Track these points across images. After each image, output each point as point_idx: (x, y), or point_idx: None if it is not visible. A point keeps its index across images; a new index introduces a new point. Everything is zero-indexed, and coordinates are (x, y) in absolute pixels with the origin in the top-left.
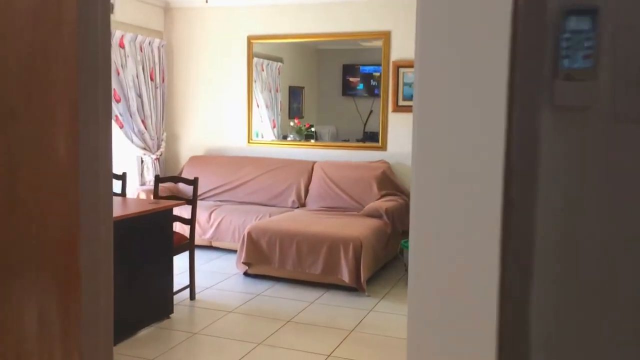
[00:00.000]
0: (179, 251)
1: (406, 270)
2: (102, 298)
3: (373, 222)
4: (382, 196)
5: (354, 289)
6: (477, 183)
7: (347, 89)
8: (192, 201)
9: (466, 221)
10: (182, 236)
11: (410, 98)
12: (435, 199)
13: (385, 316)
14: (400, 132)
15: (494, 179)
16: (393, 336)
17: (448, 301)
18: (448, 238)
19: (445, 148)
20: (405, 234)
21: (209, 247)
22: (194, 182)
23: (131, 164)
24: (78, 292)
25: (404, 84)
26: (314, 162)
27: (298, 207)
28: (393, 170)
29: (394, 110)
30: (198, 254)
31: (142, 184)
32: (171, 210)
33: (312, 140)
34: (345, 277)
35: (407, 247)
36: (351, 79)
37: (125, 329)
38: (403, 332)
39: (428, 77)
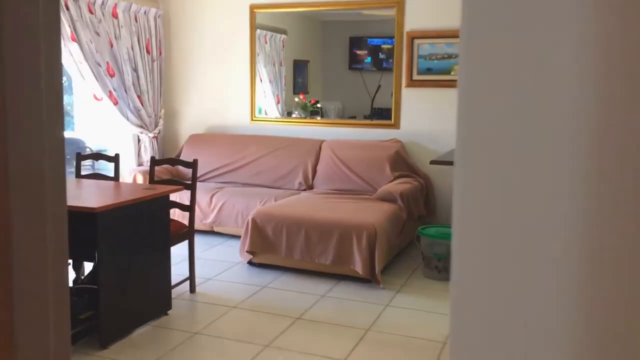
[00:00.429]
0: (177, 241)
1: (423, 259)
2: (52, 305)
3: (387, 207)
4: (396, 178)
5: (367, 280)
6: (547, 179)
7: (354, 63)
8: (191, 186)
9: (532, 225)
10: (180, 224)
11: (425, 72)
12: (490, 196)
13: (403, 312)
14: (414, 109)
15: (574, 176)
16: (414, 336)
17: (504, 324)
18: (509, 245)
19: (506, 134)
20: (420, 219)
21: (211, 232)
22: (192, 165)
23: (127, 143)
24: (8, 295)
25: (419, 57)
26: (322, 141)
27: (305, 190)
28: (407, 149)
29: (408, 85)
30: (198, 239)
31: (140, 164)
32: (168, 196)
33: (318, 117)
34: (358, 267)
35: (424, 235)
36: (358, 52)
37: (118, 328)
38: (424, 331)
39: (482, 45)
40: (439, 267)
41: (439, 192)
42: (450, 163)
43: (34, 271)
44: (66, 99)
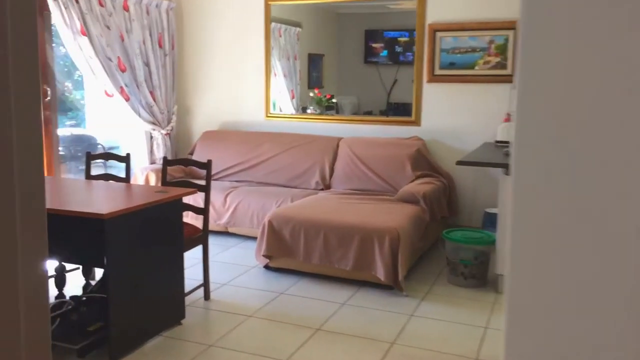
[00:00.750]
0: (190, 246)
1: (448, 264)
2: (24, 309)
3: (409, 209)
4: (417, 177)
5: (389, 287)
6: (619, 181)
7: (370, 56)
8: (205, 188)
9: (606, 233)
10: (194, 227)
11: (448, 67)
12: (556, 203)
13: (429, 323)
14: (436, 105)
15: None
16: (443, 350)
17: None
18: (576, 255)
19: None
20: (443, 220)
21: (225, 233)
22: (206, 166)
23: (139, 140)
24: None
25: (441, 51)
26: (340, 139)
27: (322, 189)
28: (428, 148)
29: (430, 81)
30: (212, 241)
31: (152, 162)
32: (180, 199)
33: (333, 112)
34: (380, 274)
35: (449, 239)
36: (374, 45)
37: (129, 340)
38: (454, 345)
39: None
40: (465, 274)
41: (462, 192)
42: (480, 164)
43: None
44: (78, 94)
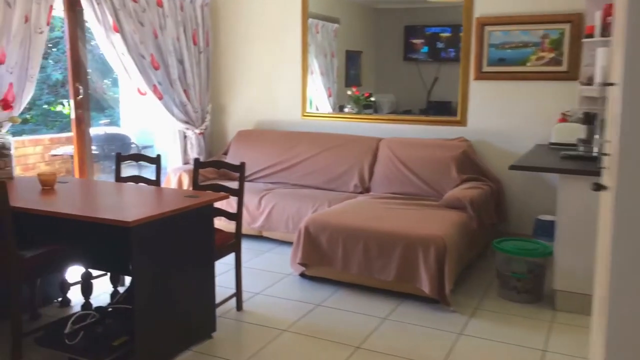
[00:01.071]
0: (221, 254)
1: (498, 276)
2: None
3: (456, 216)
4: (463, 181)
5: (434, 300)
6: None
7: (410, 53)
8: (238, 192)
9: None
10: (225, 234)
11: (497, 63)
12: None
13: (481, 343)
14: (484, 104)
15: None
16: None
17: None
18: None
19: None
20: (493, 227)
21: (259, 237)
22: (240, 169)
23: (173, 139)
24: None
25: (490, 46)
26: (380, 139)
27: (361, 193)
28: (475, 149)
29: (477, 78)
30: (245, 245)
31: (186, 162)
32: (211, 205)
33: (370, 111)
34: (425, 286)
35: (500, 249)
36: (414, 41)
37: (156, 356)
38: None
39: None
40: (518, 288)
41: (511, 197)
42: (536, 169)
43: None
44: (113, 92)
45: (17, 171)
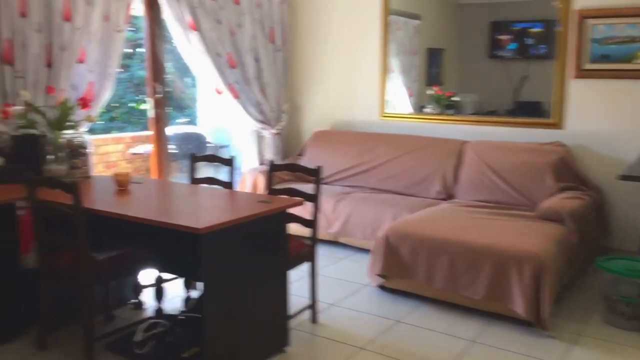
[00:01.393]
0: (295, 263)
1: (603, 299)
2: None
3: (553, 229)
4: (560, 190)
5: (527, 323)
6: None
7: (496, 50)
8: (314, 197)
9: None
10: (300, 243)
11: (600, 60)
12: None
13: None
14: (585, 105)
15: None
16: None
17: None
18: None
19: None
20: (594, 242)
21: (335, 243)
22: (315, 173)
23: (249, 139)
24: None
25: (592, 41)
26: (464, 142)
27: (444, 199)
28: (573, 155)
29: (577, 76)
30: (321, 251)
31: (262, 162)
32: (285, 211)
33: (452, 111)
34: (519, 307)
35: (605, 269)
36: (500, 38)
37: None
38: None
39: None
40: (626, 314)
41: (615, 209)
42: None
43: None
44: (192, 92)
45: (100, 169)
